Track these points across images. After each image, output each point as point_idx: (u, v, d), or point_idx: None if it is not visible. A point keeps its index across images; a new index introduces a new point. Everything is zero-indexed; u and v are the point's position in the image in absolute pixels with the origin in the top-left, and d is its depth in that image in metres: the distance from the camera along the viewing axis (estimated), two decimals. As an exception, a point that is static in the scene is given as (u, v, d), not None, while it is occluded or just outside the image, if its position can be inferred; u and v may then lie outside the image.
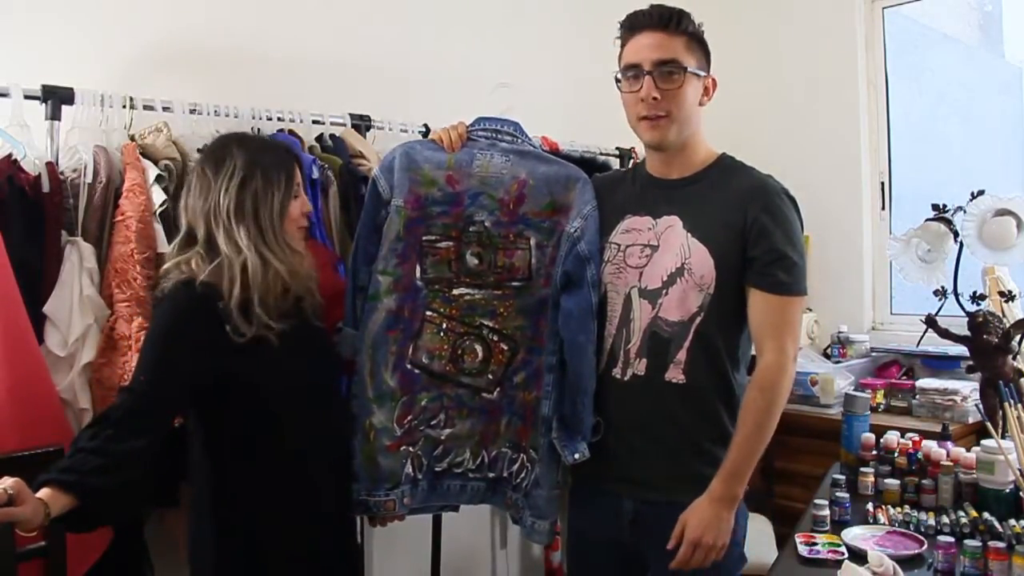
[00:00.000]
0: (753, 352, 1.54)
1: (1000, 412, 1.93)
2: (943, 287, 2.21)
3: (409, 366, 1.64)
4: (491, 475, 1.67)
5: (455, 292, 1.65)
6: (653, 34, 1.49)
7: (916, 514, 1.72)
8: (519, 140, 1.68)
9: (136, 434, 1.31)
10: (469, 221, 1.64)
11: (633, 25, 1.52)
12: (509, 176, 1.63)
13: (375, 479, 1.61)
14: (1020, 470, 1.69)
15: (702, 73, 1.52)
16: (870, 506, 1.77)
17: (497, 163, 1.64)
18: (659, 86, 1.48)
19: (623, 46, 1.55)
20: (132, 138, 1.84)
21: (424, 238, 1.63)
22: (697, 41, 1.52)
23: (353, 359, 1.64)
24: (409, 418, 1.64)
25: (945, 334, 2.21)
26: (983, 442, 1.80)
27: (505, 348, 1.65)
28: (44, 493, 1.20)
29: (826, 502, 1.73)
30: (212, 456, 1.46)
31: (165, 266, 1.47)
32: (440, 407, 1.65)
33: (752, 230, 1.47)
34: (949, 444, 1.97)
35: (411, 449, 1.64)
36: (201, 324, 1.39)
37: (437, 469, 1.66)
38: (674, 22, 1.49)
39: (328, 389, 1.60)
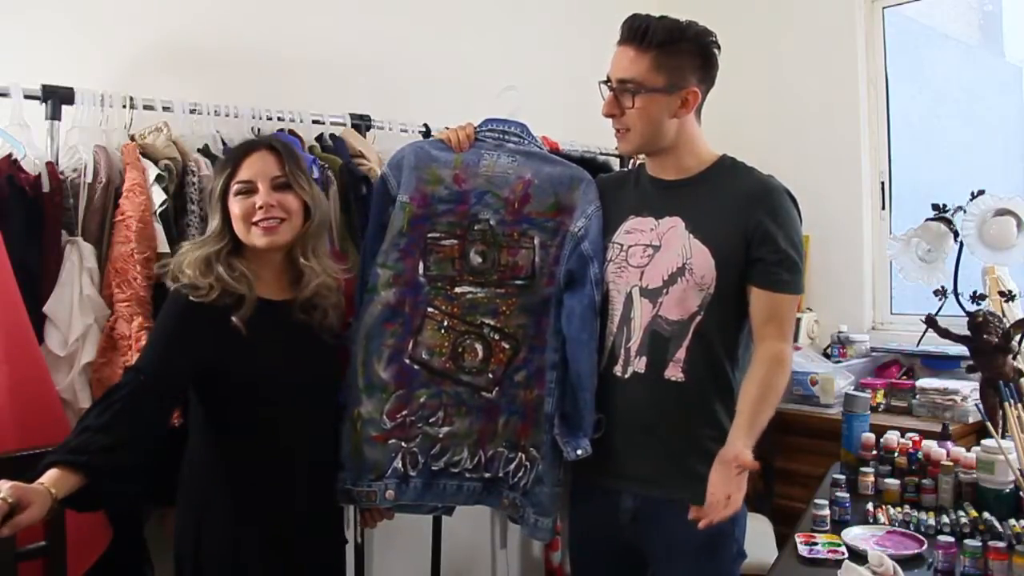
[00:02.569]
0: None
1: (1000, 412, 1.93)
2: (943, 287, 2.21)
3: (408, 361, 1.64)
4: (487, 475, 1.67)
5: (457, 290, 1.65)
6: (625, 49, 1.49)
7: (916, 514, 1.72)
8: (525, 141, 1.70)
9: (142, 413, 1.34)
10: (474, 219, 1.65)
11: (620, 36, 1.52)
12: (515, 176, 1.65)
13: (360, 469, 1.62)
14: (1020, 470, 1.69)
15: (673, 90, 1.48)
16: (870, 506, 1.77)
17: (503, 163, 1.66)
18: (620, 103, 1.50)
19: None
20: (132, 138, 1.84)
21: (429, 235, 1.64)
22: (677, 54, 1.46)
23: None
24: (404, 413, 1.64)
25: (945, 334, 2.21)
26: (983, 442, 1.80)
27: (506, 347, 1.65)
28: (50, 475, 1.20)
29: (826, 502, 1.73)
30: (205, 441, 1.50)
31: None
32: (439, 404, 1.65)
33: (756, 232, 1.48)
34: (949, 444, 1.98)
35: (403, 444, 1.64)
36: (206, 318, 1.42)
37: (434, 468, 1.66)
38: (639, 36, 1.46)
39: (323, 390, 1.60)
